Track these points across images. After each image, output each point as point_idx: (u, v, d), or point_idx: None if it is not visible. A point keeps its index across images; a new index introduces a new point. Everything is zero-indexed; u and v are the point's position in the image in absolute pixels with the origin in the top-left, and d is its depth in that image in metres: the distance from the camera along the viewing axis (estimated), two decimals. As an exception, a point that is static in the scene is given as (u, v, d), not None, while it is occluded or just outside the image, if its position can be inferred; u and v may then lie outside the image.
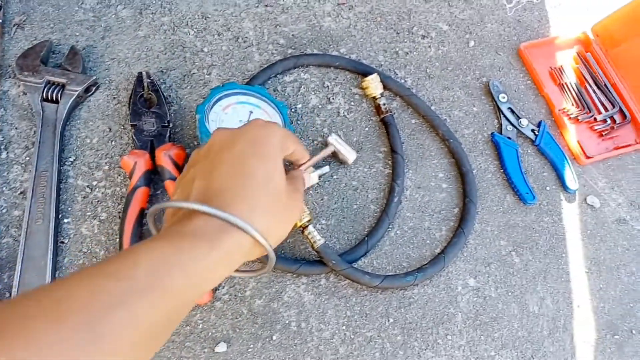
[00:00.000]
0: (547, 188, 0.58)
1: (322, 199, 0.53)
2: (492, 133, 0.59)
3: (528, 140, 0.60)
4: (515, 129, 0.59)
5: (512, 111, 0.60)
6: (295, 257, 0.50)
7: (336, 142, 0.51)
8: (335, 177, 0.54)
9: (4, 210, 0.48)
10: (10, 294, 0.45)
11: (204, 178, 0.30)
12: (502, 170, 0.58)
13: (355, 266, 0.50)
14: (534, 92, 0.63)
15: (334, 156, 0.53)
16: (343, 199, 0.53)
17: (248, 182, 0.29)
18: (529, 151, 0.59)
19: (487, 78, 0.62)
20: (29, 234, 0.47)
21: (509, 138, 0.58)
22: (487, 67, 0.63)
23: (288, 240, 0.51)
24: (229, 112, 0.51)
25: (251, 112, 0.52)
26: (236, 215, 0.27)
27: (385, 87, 0.58)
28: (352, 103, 0.58)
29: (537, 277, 0.54)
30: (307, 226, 0.48)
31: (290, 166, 0.45)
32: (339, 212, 0.53)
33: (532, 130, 0.60)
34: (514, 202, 0.56)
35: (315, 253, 0.49)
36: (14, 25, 0.56)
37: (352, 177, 0.55)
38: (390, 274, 0.50)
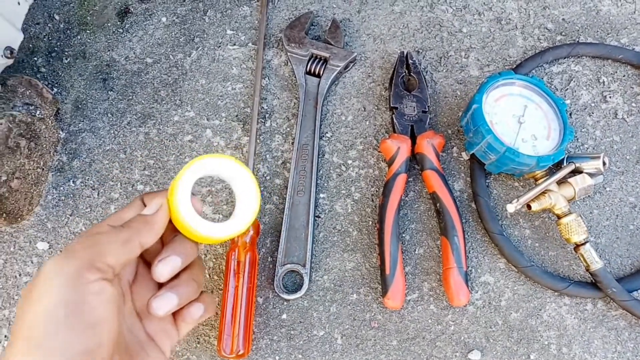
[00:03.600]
0: None
1: (591, 213, 0.47)
2: None
3: None
4: None
5: None
6: (559, 274, 0.45)
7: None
8: (608, 189, 0.47)
9: (267, 177, 0.51)
10: (274, 259, 0.47)
11: None
12: None
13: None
14: None
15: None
16: (617, 216, 0.47)
17: (17, 322, 0.32)
18: None
19: None
20: (292, 204, 0.48)
21: None
22: None
23: (550, 254, 0.46)
24: (501, 104, 0.47)
25: (525, 107, 0.47)
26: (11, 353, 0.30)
27: (680, 90, 0.48)
28: (634, 104, 0.50)
29: None
30: (584, 244, 0.43)
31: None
32: (611, 231, 0.46)
33: None
34: None
35: (589, 275, 0.43)
36: (279, -5, 0.57)
37: (630, 192, 0.47)
38: (676, 314, 0.43)
